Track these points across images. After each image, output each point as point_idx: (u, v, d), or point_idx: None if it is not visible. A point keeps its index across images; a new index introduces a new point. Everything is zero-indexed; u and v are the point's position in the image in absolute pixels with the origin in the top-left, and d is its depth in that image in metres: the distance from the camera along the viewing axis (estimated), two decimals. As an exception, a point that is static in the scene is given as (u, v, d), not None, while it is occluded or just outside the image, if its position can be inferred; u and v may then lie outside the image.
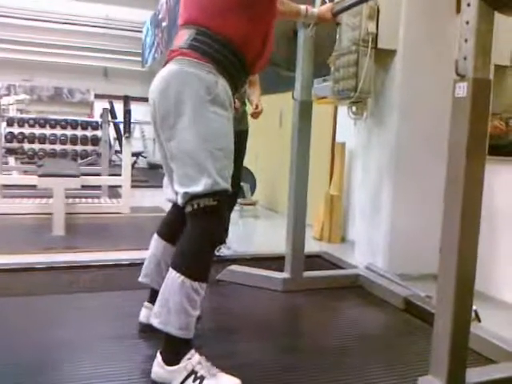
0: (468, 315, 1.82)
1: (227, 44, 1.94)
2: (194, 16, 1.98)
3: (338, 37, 3.64)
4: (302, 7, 2.81)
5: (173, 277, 1.89)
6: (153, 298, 2.39)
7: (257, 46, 2.04)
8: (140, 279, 2.42)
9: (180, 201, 1.93)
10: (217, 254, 3.76)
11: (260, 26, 2.03)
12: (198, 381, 1.86)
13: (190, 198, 1.89)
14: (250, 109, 3.85)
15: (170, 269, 1.92)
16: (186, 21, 2.01)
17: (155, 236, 2.43)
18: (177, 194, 1.95)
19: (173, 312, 1.87)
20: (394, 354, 2.35)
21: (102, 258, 3.69)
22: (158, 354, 1.92)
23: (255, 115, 3.81)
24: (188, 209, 1.91)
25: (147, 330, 2.33)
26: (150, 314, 2.36)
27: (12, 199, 5.96)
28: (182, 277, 1.86)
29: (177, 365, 1.88)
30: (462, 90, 1.71)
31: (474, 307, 2.19)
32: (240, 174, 3.98)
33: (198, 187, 1.86)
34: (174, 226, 2.36)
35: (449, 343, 1.76)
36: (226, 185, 1.93)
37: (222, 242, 3.84)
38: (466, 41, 1.71)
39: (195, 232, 1.93)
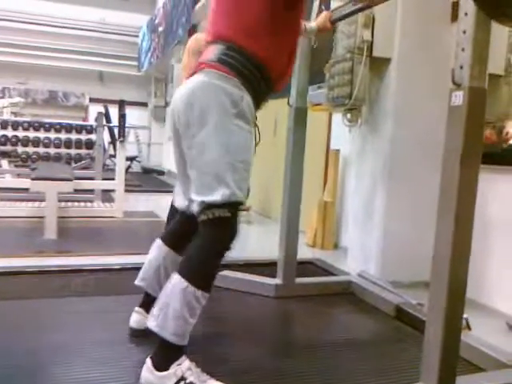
0: (459, 323, 1.83)
1: (254, 60, 1.98)
2: (222, 32, 2.02)
3: (333, 44, 3.66)
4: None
5: (177, 281, 1.89)
6: (145, 304, 2.39)
7: (282, 63, 2.10)
8: (136, 282, 2.42)
9: (196, 209, 1.93)
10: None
11: (286, 43, 2.09)
12: None
13: (206, 206, 1.89)
14: None
15: (175, 273, 1.92)
16: (214, 36, 2.05)
17: (158, 241, 2.43)
18: (192, 201, 1.96)
19: (171, 317, 1.86)
20: (385, 360, 2.36)
21: (94, 262, 3.68)
22: (148, 359, 1.91)
23: None
24: (202, 217, 1.92)
25: (138, 335, 2.33)
26: (140, 319, 2.36)
27: (5, 202, 5.93)
28: (186, 283, 1.86)
29: (166, 370, 1.87)
30: (458, 98, 1.72)
31: (465, 315, 2.19)
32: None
33: (215, 197, 1.87)
34: (178, 233, 2.38)
35: (439, 351, 1.76)
36: (242, 197, 1.95)
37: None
38: (462, 50, 1.72)
39: (206, 241, 1.94)
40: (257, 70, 1.99)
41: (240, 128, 1.94)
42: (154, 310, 1.92)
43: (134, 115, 9.56)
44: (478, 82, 1.72)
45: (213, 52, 1.99)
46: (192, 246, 1.97)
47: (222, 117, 1.91)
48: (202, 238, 1.95)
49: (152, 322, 1.90)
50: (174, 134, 2.09)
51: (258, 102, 2.07)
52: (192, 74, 2.04)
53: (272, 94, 2.17)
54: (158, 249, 2.41)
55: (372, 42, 3.46)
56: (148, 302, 2.32)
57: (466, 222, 1.76)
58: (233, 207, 1.91)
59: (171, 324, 1.86)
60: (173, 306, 1.86)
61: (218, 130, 1.90)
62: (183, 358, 1.91)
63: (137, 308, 2.43)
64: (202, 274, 1.93)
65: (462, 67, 1.73)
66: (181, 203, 2.24)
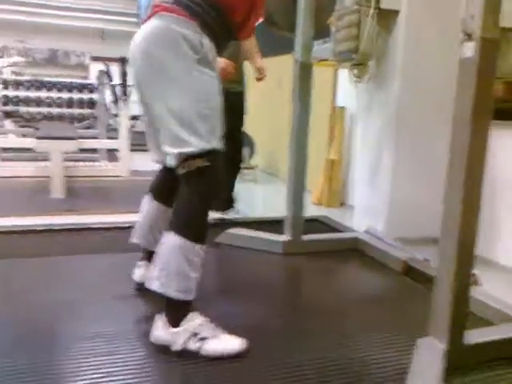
0: (468, 278, 1.82)
1: (214, 4, 1.90)
2: None
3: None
4: None
5: (171, 239, 1.87)
6: (145, 257, 2.40)
7: (244, 12, 2.01)
8: (133, 240, 2.43)
9: (172, 162, 1.88)
10: (224, 217, 3.79)
11: None
12: (199, 342, 1.87)
13: (183, 159, 1.85)
14: (250, 72, 3.81)
15: (168, 231, 1.90)
16: None
17: (146, 196, 2.43)
18: (167, 155, 1.90)
19: (172, 275, 1.85)
20: (394, 316, 2.37)
21: (102, 220, 3.69)
22: (159, 316, 1.92)
23: (260, 79, 3.78)
24: (181, 171, 1.89)
25: (142, 289, 2.34)
26: (143, 273, 2.37)
27: (10, 162, 5.93)
28: (181, 239, 1.85)
29: (178, 327, 1.88)
30: (469, 50, 1.67)
31: (474, 271, 2.19)
32: (241, 137, 3.97)
33: (190, 148, 1.83)
34: (164, 186, 2.37)
35: (449, 305, 1.76)
36: (217, 144, 1.90)
37: (230, 206, 3.87)
38: (472, -1, 1.65)
39: (190, 194, 1.91)
40: (217, 15, 1.91)
41: (205, 74, 1.88)
42: (154, 271, 1.90)
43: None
44: (491, 32, 1.65)
45: None
46: (178, 202, 1.94)
47: (185, 65, 1.84)
48: (185, 192, 1.91)
49: (154, 283, 1.88)
50: (136, 85, 2.00)
51: (218, 48, 2.00)
52: (149, 17, 1.95)
53: (233, 41, 2.11)
54: (146, 204, 2.41)
55: (380, -6, 3.37)
56: (148, 256, 2.34)
57: (476, 177, 1.73)
58: (210, 155, 1.86)
59: (174, 282, 1.85)
60: (172, 264, 1.85)
61: (181, 79, 1.84)
62: (195, 313, 1.92)
63: (139, 262, 2.45)
64: (194, 227, 1.90)
65: (472, 17, 1.65)
66: (157, 157, 2.21)
